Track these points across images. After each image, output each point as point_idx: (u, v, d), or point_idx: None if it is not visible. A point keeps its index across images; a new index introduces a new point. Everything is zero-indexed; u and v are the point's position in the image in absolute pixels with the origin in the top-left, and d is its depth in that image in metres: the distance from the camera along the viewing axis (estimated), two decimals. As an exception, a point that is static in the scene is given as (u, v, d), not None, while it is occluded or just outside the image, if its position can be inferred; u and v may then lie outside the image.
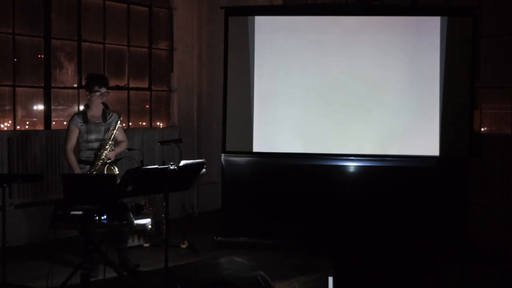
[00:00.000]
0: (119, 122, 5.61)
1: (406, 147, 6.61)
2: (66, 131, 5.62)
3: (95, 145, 5.55)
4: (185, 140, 6.58)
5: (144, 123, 8.47)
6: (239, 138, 6.82)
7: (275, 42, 6.76)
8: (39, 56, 7.24)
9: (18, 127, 7.07)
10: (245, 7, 7.88)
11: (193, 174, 4.97)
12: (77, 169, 5.46)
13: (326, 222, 6.67)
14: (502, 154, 7.28)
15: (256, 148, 6.79)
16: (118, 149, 5.69)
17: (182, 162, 4.80)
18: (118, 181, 4.78)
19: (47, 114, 7.27)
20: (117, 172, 5.51)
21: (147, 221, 6.59)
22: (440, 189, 6.55)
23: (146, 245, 6.70)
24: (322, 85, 6.72)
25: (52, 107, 7.34)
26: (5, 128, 7.05)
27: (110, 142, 5.54)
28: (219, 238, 6.79)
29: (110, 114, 5.67)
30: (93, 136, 5.54)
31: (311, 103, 6.74)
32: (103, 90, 5.60)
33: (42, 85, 7.23)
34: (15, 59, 7.00)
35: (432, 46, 6.54)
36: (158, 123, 8.70)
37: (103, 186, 4.68)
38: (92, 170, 5.46)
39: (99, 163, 5.48)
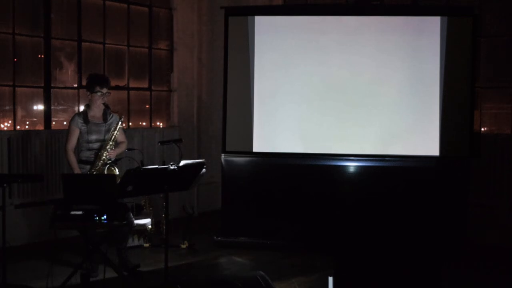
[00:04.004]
0: (120, 123, 5.61)
1: (406, 147, 6.62)
2: (67, 131, 5.62)
3: (96, 145, 5.55)
4: (185, 140, 6.58)
5: (144, 123, 8.47)
6: (239, 138, 6.82)
7: (275, 42, 6.76)
8: (39, 56, 7.24)
9: (18, 127, 7.07)
10: (245, 7, 7.89)
11: (193, 174, 4.97)
12: (77, 169, 5.47)
13: (326, 222, 6.68)
14: (502, 154, 7.29)
15: (256, 148, 6.79)
16: (119, 150, 5.69)
17: (182, 162, 4.80)
18: (118, 181, 4.78)
19: (47, 114, 7.27)
20: (117, 173, 5.50)
21: (147, 221, 6.59)
22: (440, 189, 6.56)
23: (146, 245, 6.70)
24: (322, 85, 6.72)
25: (52, 107, 7.34)
26: (5, 128, 7.05)
27: (110, 143, 5.54)
28: (219, 238, 6.79)
29: (111, 115, 5.68)
30: (93, 137, 5.54)
31: (311, 103, 6.74)
32: (104, 90, 5.60)
33: (42, 85, 7.23)
34: (15, 59, 7.00)
35: (432, 46, 6.54)
36: (158, 123, 8.70)
37: (103, 186, 4.68)
38: (93, 170, 5.46)
39: (100, 164, 5.48)
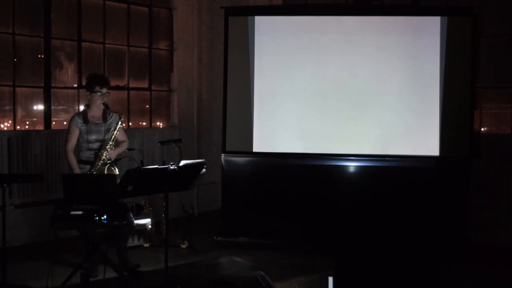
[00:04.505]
0: (120, 123, 5.61)
1: (406, 147, 6.62)
2: (67, 131, 5.62)
3: (95, 145, 5.55)
4: (185, 140, 6.59)
5: (144, 123, 8.48)
6: (239, 138, 6.82)
7: (275, 42, 6.76)
8: (39, 56, 7.24)
9: (18, 127, 7.07)
10: (245, 7, 7.89)
11: (193, 174, 4.97)
12: (77, 169, 5.47)
13: (326, 222, 6.68)
14: (502, 154, 7.29)
15: (256, 148, 6.79)
16: (120, 149, 5.69)
17: (182, 162, 4.80)
18: (118, 181, 4.78)
19: (47, 114, 7.27)
20: (117, 172, 5.51)
21: (147, 221, 6.60)
22: (440, 189, 6.56)
23: (146, 245, 6.70)
24: (322, 85, 6.72)
25: (52, 107, 7.34)
26: (5, 128, 7.05)
27: (110, 143, 5.53)
28: (219, 238, 6.79)
29: (111, 115, 5.68)
30: (93, 137, 5.54)
31: (311, 103, 6.74)
32: (104, 90, 5.60)
33: (42, 85, 7.23)
34: (15, 59, 7.00)
35: (432, 46, 6.54)
36: (158, 123, 8.70)
37: (103, 186, 4.68)
38: (92, 170, 5.46)
39: (100, 163, 5.48)
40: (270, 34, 6.76)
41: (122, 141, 5.75)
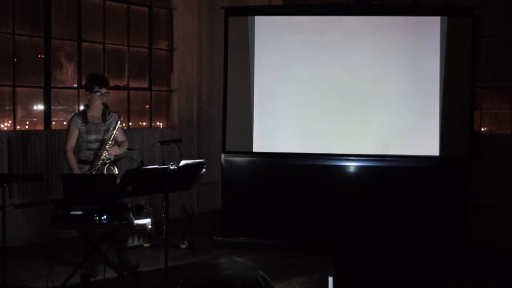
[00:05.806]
0: (119, 122, 5.61)
1: (406, 147, 6.61)
2: (66, 131, 5.62)
3: (95, 145, 5.55)
4: (185, 140, 6.58)
5: (144, 123, 8.48)
6: (239, 138, 6.82)
7: (275, 42, 6.76)
8: (39, 56, 7.24)
9: (18, 127, 7.07)
10: (245, 7, 7.89)
11: (193, 174, 4.97)
12: (76, 169, 5.47)
13: (326, 222, 6.68)
14: (502, 154, 7.28)
15: (256, 148, 6.79)
16: (121, 149, 5.69)
17: (182, 162, 4.80)
18: (118, 181, 4.78)
19: (47, 114, 7.27)
20: (117, 172, 5.51)
21: (147, 221, 6.59)
22: (440, 189, 6.56)
23: (146, 245, 6.70)
24: (322, 85, 6.72)
25: (52, 107, 7.34)
26: (5, 128, 7.05)
27: (110, 142, 5.53)
28: (219, 238, 6.79)
29: (110, 115, 5.68)
30: (92, 137, 5.54)
31: (311, 103, 6.74)
32: (104, 90, 5.60)
33: (42, 85, 7.23)
34: (15, 59, 7.00)
35: (432, 46, 6.54)
36: (158, 123, 8.70)
37: (103, 186, 4.69)
38: (92, 170, 5.46)
39: (99, 163, 5.48)
40: (270, 34, 6.76)
41: (122, 141, 5.74)
